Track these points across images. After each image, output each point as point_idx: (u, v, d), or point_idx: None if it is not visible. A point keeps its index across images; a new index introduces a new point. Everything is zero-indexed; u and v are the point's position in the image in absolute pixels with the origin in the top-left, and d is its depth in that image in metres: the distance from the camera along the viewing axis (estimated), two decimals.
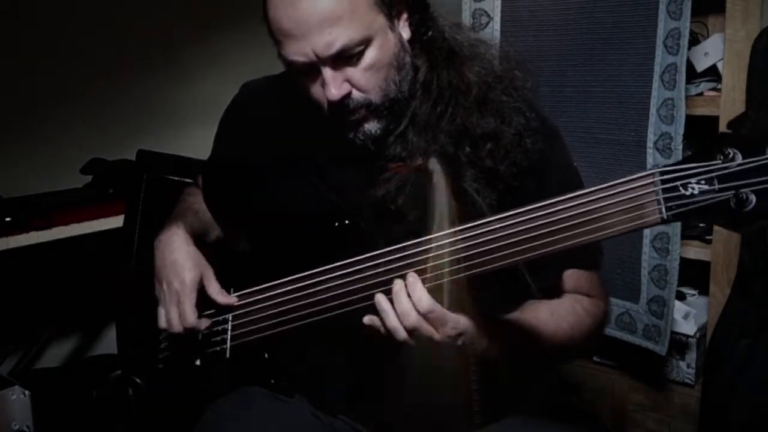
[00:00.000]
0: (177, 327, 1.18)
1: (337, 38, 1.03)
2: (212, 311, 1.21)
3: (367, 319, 1.01)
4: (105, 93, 2.24)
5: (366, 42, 1.06)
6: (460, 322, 0.99)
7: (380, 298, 1.00)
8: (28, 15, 2.09)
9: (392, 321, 0.99)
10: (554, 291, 1.18)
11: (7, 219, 1.87)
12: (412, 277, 0.98)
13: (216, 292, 1.19)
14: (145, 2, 2.30)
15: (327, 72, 1.06)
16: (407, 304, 0.98)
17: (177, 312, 1.19)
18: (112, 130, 2.27)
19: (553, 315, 1.13)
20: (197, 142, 1.68)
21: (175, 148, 2.13)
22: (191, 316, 1.17)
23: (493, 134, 1.10)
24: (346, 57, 1.05)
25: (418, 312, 0.97)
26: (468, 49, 1.15)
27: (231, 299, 1.19)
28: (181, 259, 1.20)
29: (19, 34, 2.07)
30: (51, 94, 2.14)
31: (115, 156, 2.18)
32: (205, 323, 1.19)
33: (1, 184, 2.01)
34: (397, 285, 0.99)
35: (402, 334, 0.99)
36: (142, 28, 2.28)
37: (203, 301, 1.20)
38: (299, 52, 1.05)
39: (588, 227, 0.88)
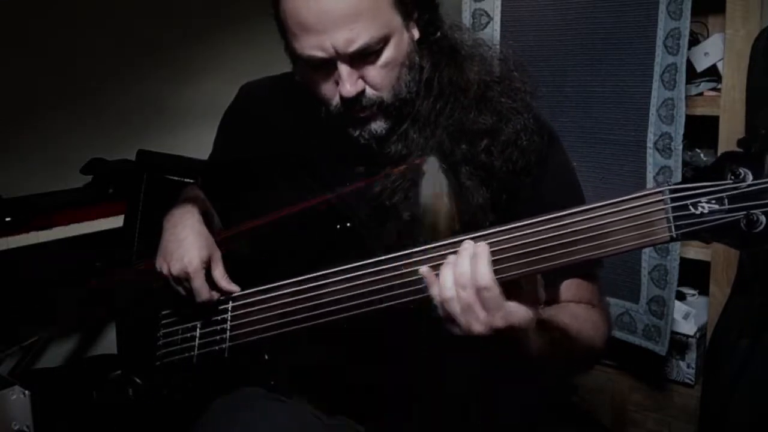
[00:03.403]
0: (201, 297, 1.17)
1: (359, 35, 1.03)
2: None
3: (425, 269, 0.94)
4: (105, 93, 2.24)
5: (385, 40, 1.06)
6: (513, 313, 0.89)
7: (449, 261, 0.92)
8: (28, 15, 2.09)
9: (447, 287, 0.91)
10: (553, 301, 1.16)
11: (7, 219, 1.87)
12: (483, 248, 0.91)
13: (221, 276, 1.19)
14: (146, 2, 2.30)
15: (344, 68, 1.06)
16: (467, 270, 0.90)
17: (183, 289, 1.19)
18: (112, 130, 2.27)
19: (574, 319, 1.10)
20: (197, 142, 1.68)
21: (175, 148, 2.13)
22: (205, 291, 1.17)
23: (490, 131, 1.10)
24: (364, 54, 1.05)
25: (475, 284, 0.89)
26: (468, 49, 1.16)
27: (234, 287, 1.18)
28: (191, 237, 1.19)
29: (19, 35, 2.07)
30: (51, 95, 2.14)
31: (115, 156, 2.18)
32: (216, 296, 1.18)
33: (1, 184, 2.01)
34: (465, 245, 0.92)
35: (450, 306, 0.90)
36: (142, 28, 2.29)
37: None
38: (318, 46, 1.04)
39: (596, 242, 0.87)
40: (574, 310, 1.13)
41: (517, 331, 0.91)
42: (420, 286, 0.97)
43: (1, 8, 2.01)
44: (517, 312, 0.90)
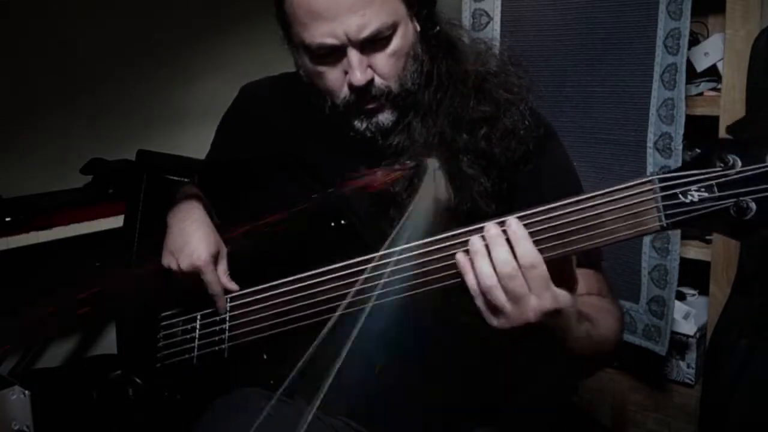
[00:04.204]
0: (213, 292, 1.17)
1: (371, 20, 1.04)
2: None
3: (461, 256, 0.90)
4: (105, 93, 2.24)
5: (394, 27, 1.08)
6: (562, 295, 0.87)
7: (475, 240, 0.88)
8: (28, 15, 2.09)
9: (485, 270, 0.87)
10: None
11: (7, 219, 1.87)
12: (518, 227, 0.87)
13: (223, 273, 1.20)
14: (146, 3, 2.30)
15: (354, 55, 1.06)
16: (505, 253, 0.86)
17: (192, 283, 1.19)
18: (112, 130, 2.27)
19: (592, 308, 1.05)
20: (197, 142, 1.68)
21: (175, 148, 2.13)
22: (217, 283, 1.18)
23: (489, 119, 1.11)
24: (374, 41, 1.06)
25: (522, 264, 0.86)
26: (465, 45, 1.18)
27: (234, 285, 1.19)
28: (200, 231, 1.20)
29: (19, 35, 2.07)
30: (51, 95, 2.14)
31: (115, 156, 2.18)
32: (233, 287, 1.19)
33: (1, 184, 2.01)
34: (493, 230, 0.88)
35: (494, 294, 0.87)
36: (142, 28, 2.29)
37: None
38: (330, 33, 1.05)
39: (589, 233, 0.87)
40: (589, 299, 1.12)
41: (563, 315, 0.89)
42: (418, 282, 0.97)
43: (1, 8, 2.01)
44: (562, 293, 0.88)
